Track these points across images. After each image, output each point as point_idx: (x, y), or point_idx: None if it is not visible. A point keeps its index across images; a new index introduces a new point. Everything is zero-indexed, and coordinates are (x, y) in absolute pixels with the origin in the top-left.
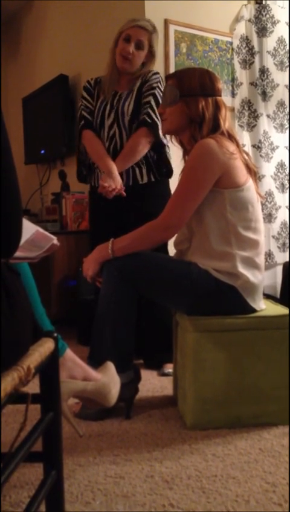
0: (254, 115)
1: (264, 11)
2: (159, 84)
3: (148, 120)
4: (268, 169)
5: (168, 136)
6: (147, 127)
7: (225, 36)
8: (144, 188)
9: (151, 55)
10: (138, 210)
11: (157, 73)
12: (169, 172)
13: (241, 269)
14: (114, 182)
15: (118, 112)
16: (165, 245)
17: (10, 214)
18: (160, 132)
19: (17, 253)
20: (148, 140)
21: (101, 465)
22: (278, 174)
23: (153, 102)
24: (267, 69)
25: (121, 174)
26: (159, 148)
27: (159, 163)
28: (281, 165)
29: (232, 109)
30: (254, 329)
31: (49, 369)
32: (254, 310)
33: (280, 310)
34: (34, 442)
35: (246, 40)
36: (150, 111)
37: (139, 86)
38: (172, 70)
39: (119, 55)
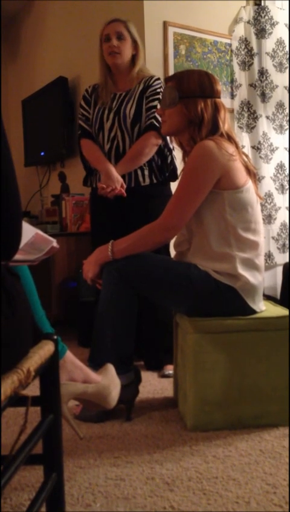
0: (253, 116)
1: (263, 13)
2: (162, 89)
3: (157, 124)
4: (268, 170)
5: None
6: (156, 131)
7: (224, 38)
8: (145, 189)
9: (136, 44)
10: (139, 211)
11: (159, 78)
12: (172, 177)
13: (241, 270)
14: (113, 182)
15: (119, 115)
16: (167, 246)
17: (10, 217)
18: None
19: (17, 256)
20: (155, 144)
21: (102, 467)
22: (278, 175)
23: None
24: (267, 70)
25: (123, 176)
26: (165, 153)
27: (162, 167)
28: (280, 166)
29: (232, 111)
30: (254, 330)
31: (49, 372)
32: (254, 311)
33: (280, 311)
34: (34, 445)
35: (245, 41)
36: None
37: (141, 90)
38: (171, 72)
39: (107, 54)
